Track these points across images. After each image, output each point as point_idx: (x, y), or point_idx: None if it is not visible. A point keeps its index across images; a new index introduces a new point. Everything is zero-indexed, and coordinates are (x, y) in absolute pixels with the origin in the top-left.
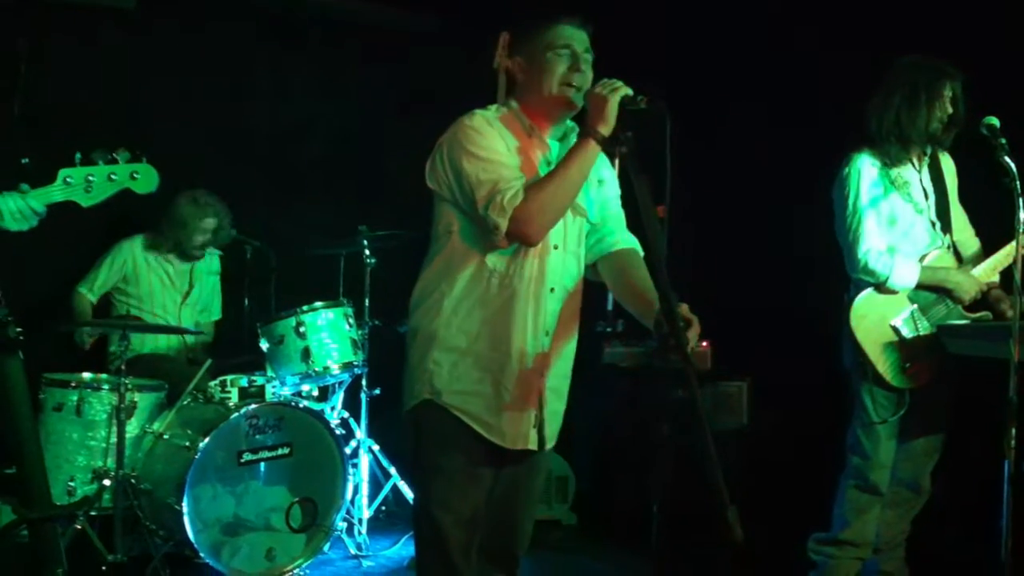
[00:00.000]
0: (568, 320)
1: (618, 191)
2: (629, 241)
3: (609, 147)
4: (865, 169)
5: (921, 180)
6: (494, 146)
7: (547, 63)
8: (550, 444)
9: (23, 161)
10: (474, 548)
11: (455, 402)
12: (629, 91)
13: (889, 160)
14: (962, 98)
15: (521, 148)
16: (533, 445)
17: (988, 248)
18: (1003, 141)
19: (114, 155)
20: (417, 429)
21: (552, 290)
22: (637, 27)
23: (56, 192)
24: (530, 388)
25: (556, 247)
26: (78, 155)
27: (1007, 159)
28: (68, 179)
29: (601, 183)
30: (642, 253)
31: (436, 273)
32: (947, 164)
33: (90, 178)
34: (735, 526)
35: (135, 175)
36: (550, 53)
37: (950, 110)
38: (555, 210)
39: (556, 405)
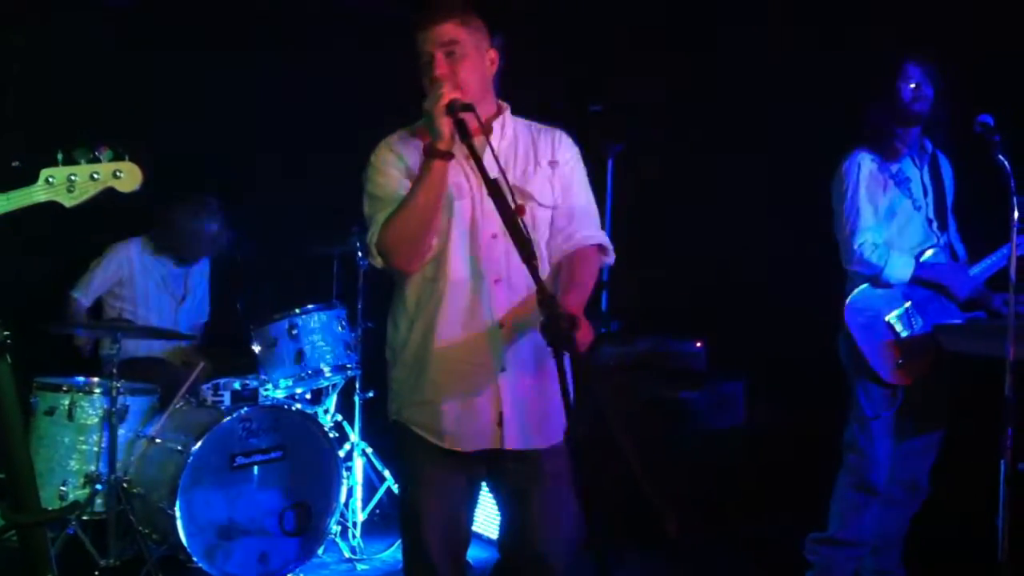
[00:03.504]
0: (534, 310)
1: (580, 178)
2: (591, 239)
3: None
4: (865, 163)
5: (922, 177)
6: (387, 179)
7: (422, 78)
8: (525, 444)
9: (14, 164)
10: (457, 554)
11: (410, 416)
12: (454, 96)
13: (885, 155)
14: (936, 76)
15: None
16: (497, 444)
17: (982, 248)
18: (997, 139)
19: (96, 154)
20: (395, 443)
21: (496, 281)
22: (637, 21)
23: (38, 192)
24: (481, 384)
25: (495, 236)
26: (59, 154)
27: (1002, 157)
28: (50, 179)
29: (553, 165)
30: (609, 247)
31: (395, 291)
32: (946, 168)
33: (72, 177)
34: (668, 521)
35: (118, 173)
36: (420, 67)
37: (913, 85)
38: (410, 238)
39: (533, 400)
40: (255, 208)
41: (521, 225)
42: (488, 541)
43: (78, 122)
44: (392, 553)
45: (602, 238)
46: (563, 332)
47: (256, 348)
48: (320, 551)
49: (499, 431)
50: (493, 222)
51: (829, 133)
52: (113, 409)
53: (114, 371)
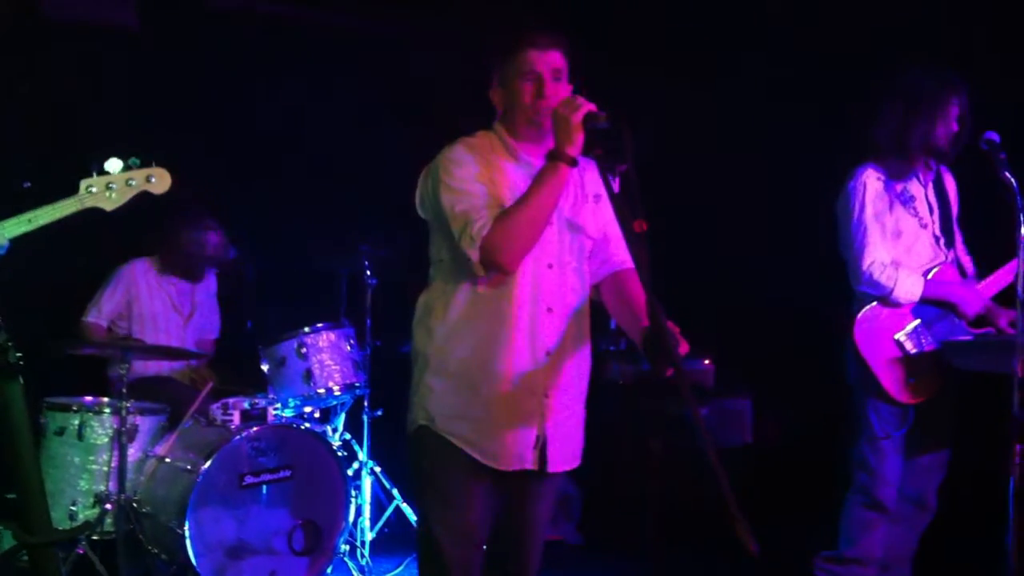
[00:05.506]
0: (574, 338)
1: (610, 209)
2: (627, 263)
3: (607, 166)
4: (870, 182)
5: (927, 195)
6: (471, 176)
7: (516, 92)
8: (564, 466)
9: (25, 185)
10: (475, 568)
11: (447, 427)
12: (591, 109)
13: (894, 173)
14: (968, 114)
15: (507, 172)
16: (532, 465)
17: (989, 265)
18: (1003, 156)
19: (128, 163)
20: (416, 452)
21: (550, 309)
22: (634, 21)
23: (81, 200)
24: (528, 409)
25: (551, 266)
26: (94, 166)
27: (1008, 174)
28: (91, 188)
29: (598, 199)
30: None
31: (432, 296)
32: (950, 183)
33: (111, 185)
34: (747, 538)
35: (151, 178)
36: (518, 81)
37: (955, 128)
38: (525, 237)
39: (569, 426)
40: (263, 227)
41: (641, 241)
42: None
43: (80, 142)
44: (400, 572)
45: (632, 263)
46: (671, 348)
47: (265, 367)
48: (329, 570)
49: (536, 454)
50: (550, 252)
51: (837, 148)
52: (123, 429)
53: (123, 391)
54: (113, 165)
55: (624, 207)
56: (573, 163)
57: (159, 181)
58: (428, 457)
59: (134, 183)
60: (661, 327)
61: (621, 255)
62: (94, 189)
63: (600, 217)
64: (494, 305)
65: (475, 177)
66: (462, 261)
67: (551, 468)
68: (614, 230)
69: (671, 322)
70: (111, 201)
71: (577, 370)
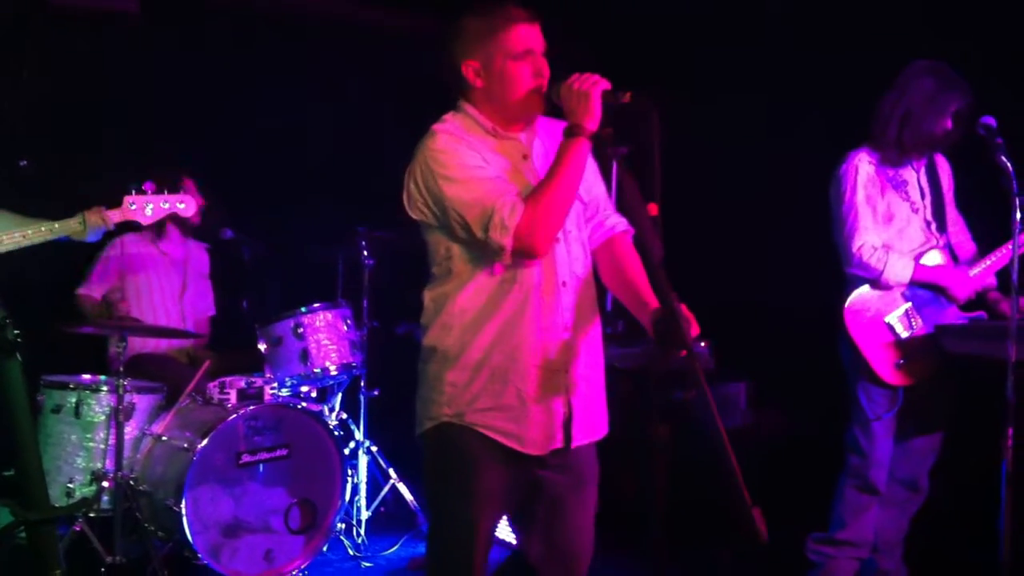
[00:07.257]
0: (587, 309)
1: (595, 169)
2: (622, 223)
3: (600, 149)
4: (862, 166)
5: (919, 179)
6: (468, 162)
7: (511, 72)
8: (587, 438)
9: (21, 163)
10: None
11: (479, 420)
12: (608, 86)
13: (887, 159)
14: (966, 119)
15: (493, 151)
16: (560, 444)
17: (984, 249)
18: (1000, 141)
19: (163, 188)
20: (437, 451)
21: (564, 283)
22: (629, 21)
23: (127, 213)
24: (555, 387)
25: (557, 239)
26: (133, 187)
27: (1004, 159)
28: (132, 205)
29: None
30: (632, 231)
31: (443, 291)
32: (943, 166)
33: (148, 204)
34: (759, 526)
35: (180, 204)
36: (511, 61)
37: (950, 127)
38: (557, 217)
39: (590, 396)
40: (261, 208)
41: (655, 224)
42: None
43: (83, 127)
44: (396, 551)
45: (626, 223)
46: (684, 331)
47: (262, 346)
48: (325, 549)
49: (565, 430)
50: None
51: (834, 135)
52: (120, 407)
53: (120, 369)
54: (150, 187)
55: (637, 188)
56: (592, 138)
57: (187, 206)
58: (454, 456)
59: (166, 205)
60: (673, 309)
61: (612, 218)
62: (134, 206)
63: (586, 178)
64: (513, 289)
65: (473, 162)
66: (484, 250)
67: (574, 443)
68: (600, 190)
69: (681, 304)
70: (146, 217)
71: (593, 340)
